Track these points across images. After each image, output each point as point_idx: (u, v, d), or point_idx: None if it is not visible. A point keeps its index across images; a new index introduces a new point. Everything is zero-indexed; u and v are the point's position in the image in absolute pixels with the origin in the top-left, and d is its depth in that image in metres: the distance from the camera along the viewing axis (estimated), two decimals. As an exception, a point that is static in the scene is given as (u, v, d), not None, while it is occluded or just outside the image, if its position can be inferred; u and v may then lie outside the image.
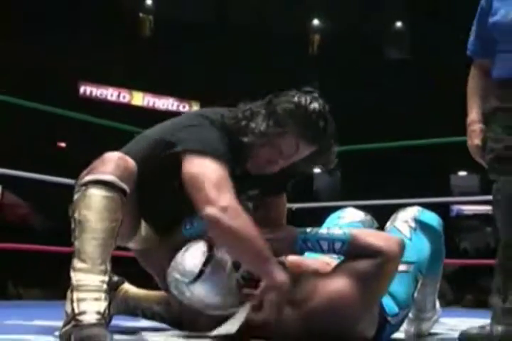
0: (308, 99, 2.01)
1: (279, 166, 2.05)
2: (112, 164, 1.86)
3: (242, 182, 2.01)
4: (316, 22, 22.88)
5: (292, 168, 2.11)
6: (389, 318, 2.05)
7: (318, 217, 2.56)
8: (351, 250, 1.88)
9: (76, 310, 1.71)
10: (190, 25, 19.88)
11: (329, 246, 1.89)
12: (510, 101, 2.14)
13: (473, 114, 2.31)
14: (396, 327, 2.15)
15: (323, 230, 1.93)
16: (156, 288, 2.28)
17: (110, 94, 20.87)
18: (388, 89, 19.50)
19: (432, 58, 19.01)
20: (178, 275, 1.88)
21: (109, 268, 1.80)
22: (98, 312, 1.70)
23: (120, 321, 2.49)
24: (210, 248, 1.87)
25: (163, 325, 2.32)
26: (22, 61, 16.77)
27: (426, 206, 2.38)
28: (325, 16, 22.11)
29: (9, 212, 16.23)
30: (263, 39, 19.90)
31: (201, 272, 1.84)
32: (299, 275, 1.95)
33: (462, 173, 21.13)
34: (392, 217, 2.34)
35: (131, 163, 1.92)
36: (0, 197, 17.18)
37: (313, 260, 2.13)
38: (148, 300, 2.33)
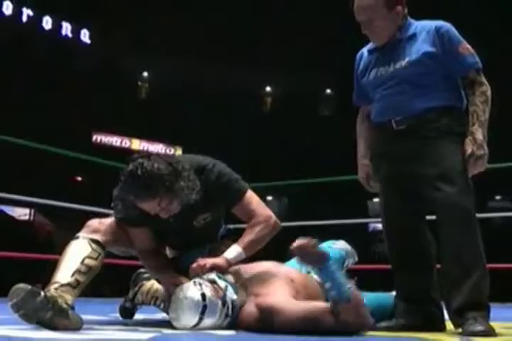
0: (129, 166, 1.88)
1: (164, 214, 1.93)
2: (86, 228, 2.03)
3: (188, 212, 1.99)
4: (268, 88, 23.27)
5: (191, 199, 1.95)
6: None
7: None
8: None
9: None
10: (174, 93, 20.83)
11: None
12: (379, 140, 2.09)
13: (360, 151, 2.23)
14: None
15: None
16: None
17: (115, 140, 20.94)
18: (322, 138, 19.83)
19: (354, 115, 19.18)
20: (175, 324, 1.77)
21: (70, 278, 1.86)
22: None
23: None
24: (203, 297, 1.74)
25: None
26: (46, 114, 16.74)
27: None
28: (275, 84, 22.58)
29: (38, 228, 16.01)
30: (225, 101, 20.22)
31: (200, 319, 1.74)
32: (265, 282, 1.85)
33: (376, 200, 21.25)
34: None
35: (106, 225, 2.03)
36: (32, 218, 16.96)
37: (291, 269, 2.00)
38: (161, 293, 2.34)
